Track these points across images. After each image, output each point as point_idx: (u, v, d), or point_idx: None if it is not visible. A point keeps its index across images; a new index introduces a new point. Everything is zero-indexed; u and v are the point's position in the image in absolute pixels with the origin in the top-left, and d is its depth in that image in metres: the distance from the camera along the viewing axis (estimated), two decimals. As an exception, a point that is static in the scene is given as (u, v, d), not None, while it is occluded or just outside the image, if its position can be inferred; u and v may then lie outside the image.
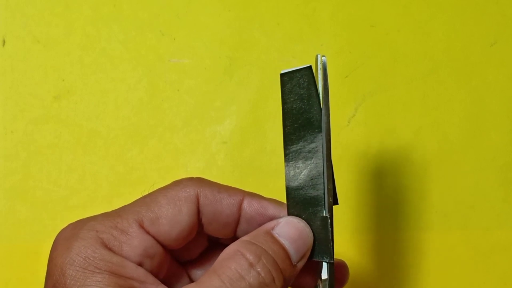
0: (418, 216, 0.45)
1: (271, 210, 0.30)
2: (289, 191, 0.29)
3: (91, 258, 0.26)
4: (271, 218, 0.30)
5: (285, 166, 0.29)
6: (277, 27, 0.46)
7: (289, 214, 0.29)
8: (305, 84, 0.29)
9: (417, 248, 0.44)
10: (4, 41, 0.44)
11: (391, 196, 0.45)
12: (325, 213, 0.29)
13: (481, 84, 0.46)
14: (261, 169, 0.45)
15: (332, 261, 0.29)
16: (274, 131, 0.45)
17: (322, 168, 0.29)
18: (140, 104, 0.44)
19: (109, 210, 0.43)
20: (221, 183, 0.44)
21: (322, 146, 0.29)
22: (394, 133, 0.45)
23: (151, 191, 0.30)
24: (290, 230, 0.28)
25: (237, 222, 0.30)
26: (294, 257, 0.28)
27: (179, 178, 0.44)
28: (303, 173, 0.29)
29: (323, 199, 0.29)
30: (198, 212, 0.29)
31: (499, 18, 0.47)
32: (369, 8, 0.47)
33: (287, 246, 0.28)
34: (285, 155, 0.29)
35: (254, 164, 0.45)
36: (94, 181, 0.43)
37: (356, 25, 0.46)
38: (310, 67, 0.29)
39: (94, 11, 0.45)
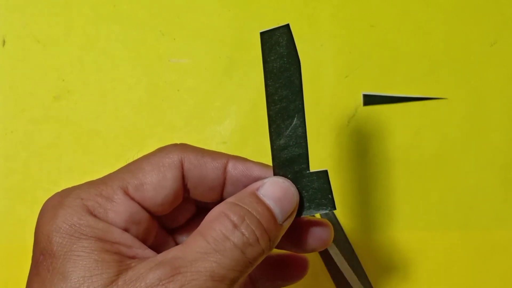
0: (418, 216, 0.45)
1: (256, 171, 0.31)
2: (274, 151, 0.30)
3: (77, 225, 0.26)
4: (257, 180, 0.30)
5: (269, 127, 0.30)
6: (277, 27, 0.46)
7: (274, 174, 0.30)
8: (284, 42, 0.29)
9: (417, 248, 0.44)
10: (4, 41, 0.44)
11: (391, 196, 0.45)
12: (308, 169, 0.30)
13: (481, 84, 0.46)
14: (261, 169, 0.45)
15: (335, 208, 0.30)
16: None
17: (305, 126, 0.30)
18: (140, 104, 0.44)
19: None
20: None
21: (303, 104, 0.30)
22: (394, 133, 0.45)
23: (135, 158, 0.30)
24: (275, 190, 0.29)
25: (223, 185, 0.30)
26: (279, 216, 0.28)
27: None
28: (286, 132, 0.30)
29: (307, 157, 0.30)
30: (183, 177, 0.29)
31: (499, 18, 0.47)
32: (369, 8, 0.47)
33: (272, 206, 0.28)
34: (269, 116, 0.30)
35: (254, 164, 0.45)
36: (94, 181, 0.43)
37: (356, 25, 0.46)
38: (288, 25, 0.29)
39: (94, 11, 0.45)
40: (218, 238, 0.26)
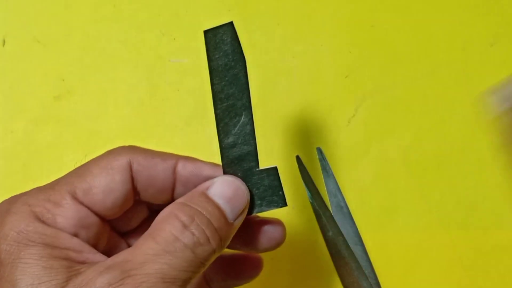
0: (418, 216, 0.45)
1: (206, 171, 0.31)
2: (223, 150, 0.30)
3: (25, 232, 0.26)
4: (207, 179, 0.30)
5: (217, 125, 0.30)
6: (277, 27, 0.46)
7: (224, 173, 0.30)
8: (229, 40, 0.29)
9: (417, 248, 0.44)
10: (4, 41, 0.44)
11: (391, 196, 0.45)
12: (258, 166, 0.30)
13: (481, 84, 0.46)
14: (261, 169, 0.45)
15: (286, 205, 0.30)
16: (274, 131, 0.45)
17: (252, 124, 0.30)
18: (140, 104, 0.44)
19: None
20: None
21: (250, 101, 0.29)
22: (394, 133, 0.45)
23: (84, 162, 0.30)
24: (225, 189, 0.28)
25: (173, 186, 0.30)
26: (230, 215, 0.28)
27: (179, 178, 0.44)
28: (234, 130, 0.30)
29: (257, 155, 0.30)
30: (132, 179, 0.29)
31: (499, 18, 0.47)
32: (369, 8, 0.47)
33: (221, 205, 0.28)
34: (216, 114, 0.30)
35: (254, 164, 0.45)
36: (94, 181, 0.43)
37: (356, 25, 0.46)
38: (231, 23, 0.29)
39: (94, 11, 0.45)
40: (168, 239, 0.26)
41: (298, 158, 0.34)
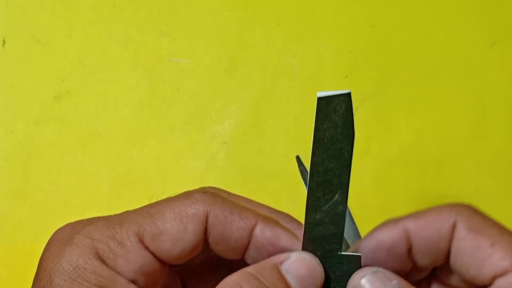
0: (418, 216, 0.45)
1: (285, 241, 0.28)
2: (308, 225, 0.28)
3: (82, 269, 0.25)
4: (283, 250, 0.28)
5: (307, 198, 0.27)
6: (277, 27, 0.46)
7: (303, 249, 0.28)
8: (342, 111, 0.27)
9: (417, 248, 0.44)
10: (4, 41, 0.44)
11: (391, 196, 0.45)
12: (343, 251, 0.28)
13: (481, 84, 0.46)
14: (261, 169, 0.45)
15: None
16: (274, 131, 0.45)
17: (346, 204, 0.27)
18: (140, 104, 0.44)
19: (109, 210, 0.43)
20: (221, 183, 0.44)
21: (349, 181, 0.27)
22: (394, 133, 0.45)
23: (159, 199, 0.28)
24: (300, 268, 0.27)
25: (246, 247, 0.28)
26: None
27: (179, 178, 0.44)
28: (325, 208, 0.28)
29: (342, 237, 0.28)
30: (205, 231, 0.27)
31: (499, 18, 0.47)
32: (369, 8, 0.47)
33: (293, 285, 0.26)
34: (309, 187, 0.27)
35: (254, 164, 0.45)
36: (94, 182, 0.43)
37: (356, 25, 0.46)
38: (349, 93, 0.27)
39: (94, 11, 0.45)
40: None
41: (298, 158, 0.34)
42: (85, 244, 0.25)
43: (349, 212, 0.39)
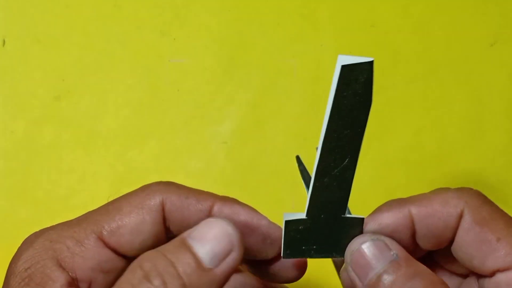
0: (418, 216, 0.45)
1: (243, 216, 0.28)
2: (315, 188, 0.28)
3: (33, 269, 0.25)
4: (243, 225, 0.28)
5: (317, 163, 0.27)
6: (277, 27, 0.46)
7: (308, 211, 0.28)
8: (363, 80, 0.27)
9: (417, 248, 0.44)
10: (4, 41, 0.44)
11: (391, 196, 0.45)
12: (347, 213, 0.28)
13: (481, 84, 0.46)
14: (261, 169, 0.45)
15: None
16: (274, 131, 0.45)
17: (354, 170, 0.28)
18: (140, 104, 0.44)
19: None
20: (221, 183, 0.44)
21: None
22: (394, 133, 0.45)
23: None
24: (205, 230, 0.26)
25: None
26: (207, 259, 0.25)
27: (179, 178, 0.44)
28: (334, 172, 0.28)
29: (347, 202, 0.28)
30: (164, 219, 0.28)
31: (499, 18, 0.47)
32: (369, 8, 0.47)
33: (196, 249, 0.25)
34: (321, 151, 0.27)
35: (254, 164, 0.45)
36: (94, 181, 0.43)
37: (356, 25, 0.46)
38: (372, 61, 0.27)
39: (94, 11, 0.45)
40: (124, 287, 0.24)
41: (298, 158, 0.34)
42: (42, 247, 0.26)
43: (349, 211, 0.39)
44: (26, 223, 0.42)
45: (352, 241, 0.28)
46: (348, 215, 0.28)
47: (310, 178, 0.34)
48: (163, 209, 0.27)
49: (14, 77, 0.44)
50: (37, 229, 0.43)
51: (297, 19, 0.46)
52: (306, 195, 0.35)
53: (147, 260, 0.25)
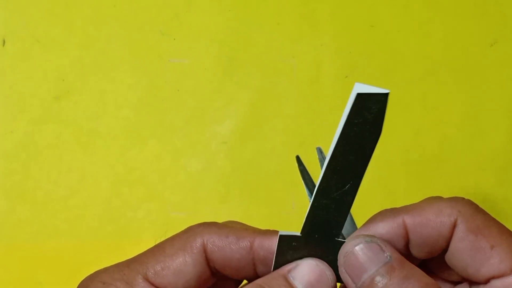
0: (418, 216, 0.45)
1: None
2: (313, 207, 0.28)
3: None
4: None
5: (319, 183, 0.28)
6: (277, 27, 0.46)
7: (303, 229, 0.28)
8: (376, 110, 0.27)
9: (417, 248, 0.44)
10: (4, 41, 0.44)
11: (391, 196, 0.45)
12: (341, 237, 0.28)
13: (481, 84, 0.46)
14: (261, 169, 0.45)
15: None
16: (274, 131, 0.45)
17: (354, 196, 0.28)
18: (140, 104, 0.44)
19: (109, 210, 0.43)
20: (221, 183, 0.44)
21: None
22: (394, 133, 0.45)
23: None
24: (308, 273, 0.27)
25: (253, 264, 0.29)
26: None
27: (179, 178, 0.44)
28: (334, 194, 0.28)
29: (343, 226, 0.28)
30: (207, 260, 0.28)
31: (499, 18, 0.47)
32: (369, 8, 0.47)
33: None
34: (324, 172, 0.27)
35: (254, 164, 0.45)
36: (94, 181, 0.43)
37: (356, 25, 0.46)
38: (387, 94, 0.27)
39: (94, 11, 0.45)
40: None
41: (298, 158, 0.34)
42: None
43: (349, 212, 0.39)
44: (26, 223, 0.42)
45: (345, 242, 0.28)
46: (341, 239, 0.28)
47: (310, 177, 0.34)
48: (205, 250, 0.28)
49: (14, 77, 0.44)
50: (37, 229, 0.43)
51: (297, 19, 0.46)
52: (307, 196, 0.35)
53: None
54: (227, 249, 0.28)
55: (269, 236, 0.29)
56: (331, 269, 0.28)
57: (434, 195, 0.45)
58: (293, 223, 0.43)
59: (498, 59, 0.46)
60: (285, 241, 0.28)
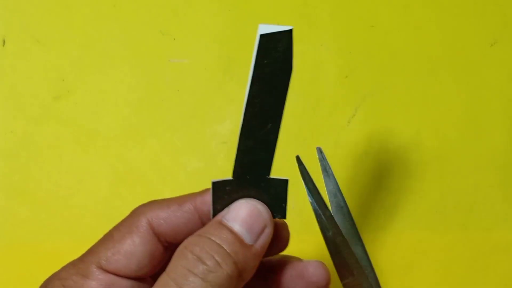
0: (418, 216, 0.45)
1: None
2: (240, 151, 0.29)
3: None
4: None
5: (241, 128, 0.28)
6: (277, 27, 0.46)
7: (234, 172, 0.29)
8: (283, 48, 0.27)
9: (417, 248, 0.44)
10: (4, 41, 0.44)
11: (391, 196, 0.45)
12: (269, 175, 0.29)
13: (481, 84, 0.46)
14: (261, 169, 0.45)
15: (284, 218, 0.30)
16: (274, 131, 0.45)
17: (277, 134, 0.29)
18: (140, 104, 0.44)
19: (109, 210, 0.43)
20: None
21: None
22: (394, 133, 0.45)
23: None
24: (239, 212, 0.28)
25: (202, 224, 0.30)
26: (247, 237, 0.28)
27: (179, 178, 0.44)
28: (257, 135, 0.29)
29: (271, 164, 0.29)
30: (157, 236, 0.29)
31: (499, 18, 0.47)
32: (369, 8, 0.47)
33: (236, 228, 0.28)
34: (244, 116, 0.28)
35: (254, 164, 0.45)
36: (94, 181, 0.43)
37: (356, 25, 0.46)
38: (291, 30, 0.27)
39: (94, 11, 0.45)
40: (181, 273, 0.26)
41: (298, 158, 0.34)
42: (55, 285, 0.28)
43: (349, 212, 0.39)
44: (26, 223, 0.42)
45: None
46: (273, 177, 0.29)
47: (310, 177, 0.34)
48: (151, 227, 0.29)
49: (14, 77, 0.44)
50: (37, 229, 0.43)
51: (297, 19, 0.46)
52: (307, 196, 0.35)
53: (195, 245, 0.27)
54: (172, 218, 0.29)
55: (208, 191, 0.30)
56: (262, 203, 0.29)
57: (434, 195, 0.45)
58: (293, 223, 0.43)
59: (498, 59, 0.46)
60: (219, 187, 0.30)
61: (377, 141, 0.45)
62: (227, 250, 0.27)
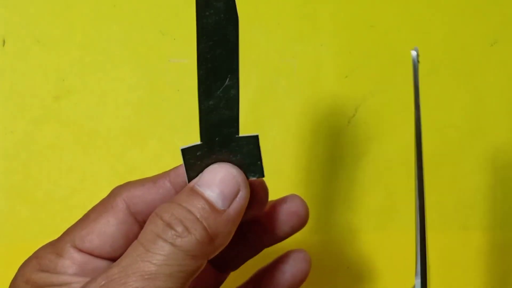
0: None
1: None
2: (202, 112, 0.28)
3: (31, 281, 0.28)
4: None
5: (198, 87, 0.28)
6: (277, 27, 0.46)
7: (201, 137, 0.28)
8: None
9: (417, 248, 0.44)
10: (4, 41, 0.44)
11: (391, 196, 0.45)
12: (238, 133, 0.28)
13: (481, 84, 0.46)
14: (261, 169, 0.45)
15: (263, 176, 0.29)
16: (274, 131, 0.45)
17: (238, 88, 0.28)
18: (140, 104, 0.44)
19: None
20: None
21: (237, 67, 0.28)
22: (394, 133, 0.45)
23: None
24: (211, 177, 0.28)
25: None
26: (219, 202, 0.27)
27: (179, 178, 0.44)
28: (217, 93, 0.28)
29: (238, 120, 0.28)
30: (134, 216, 0.29)
31: (499, 18, 0.47)
32: (369, 8, 0.47)
33: (207, 194, 0.27)
34: (199, 75, 0.27)
35: (254, 164, 0.45)
36: (94, 181, 0.43)
37: (356, 25, 0.46)
38: None
39: (94, 11, 0.45)
40: (151, 238, 0.26)
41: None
42: (32, 263, 0.29)
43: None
44: (26, 223, 0.42)
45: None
46: (242, 135, 0.29)
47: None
48: (128, 207, 0.29)
49: (14, 77, 0.44)
50: (37, 229, 0.43)
51: (297, 19, 0.46)
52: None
53: (165, 211, 0.27)
54: (147, 196, 0.30)
55: (181, 165, 0.29)
56: (235, 166, 0.28)
57: (434, 195, 0.45)
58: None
59: (498, 59, 0.46)
60: (189, 153, 0.29)
61: (377, 141, 0.45)
62: (197, 216, 0.27)
